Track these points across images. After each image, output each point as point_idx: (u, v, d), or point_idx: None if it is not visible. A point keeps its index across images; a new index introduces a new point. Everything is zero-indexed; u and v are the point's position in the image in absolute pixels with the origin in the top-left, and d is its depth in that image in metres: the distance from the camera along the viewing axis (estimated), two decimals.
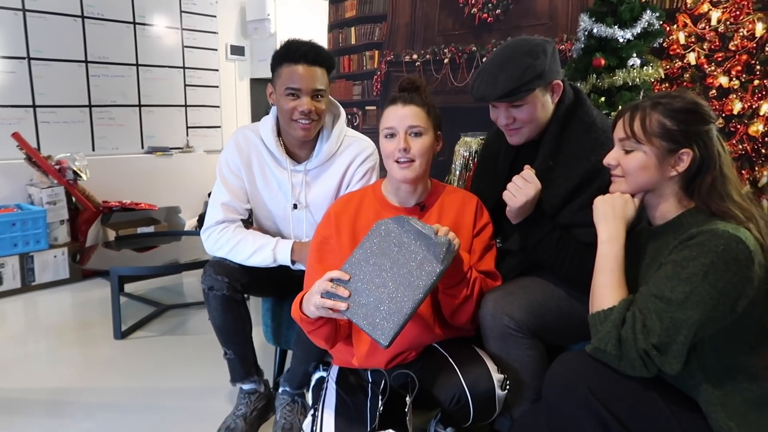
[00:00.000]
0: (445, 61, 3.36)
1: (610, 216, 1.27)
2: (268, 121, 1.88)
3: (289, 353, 2.07)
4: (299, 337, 1.80)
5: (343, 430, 1.39)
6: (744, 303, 1.09)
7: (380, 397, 1.38)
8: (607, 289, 1.20)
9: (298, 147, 1.87)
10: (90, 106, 4.29)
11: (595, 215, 1.30)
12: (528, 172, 1.47)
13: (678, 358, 1.08)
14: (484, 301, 1.49)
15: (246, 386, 1.95)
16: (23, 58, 3.91)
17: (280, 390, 1.96)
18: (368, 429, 1.37)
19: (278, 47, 1.78)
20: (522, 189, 1.45)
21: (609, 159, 1.29)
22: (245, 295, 1.87)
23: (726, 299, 1.08)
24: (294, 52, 1.72)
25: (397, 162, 1.48)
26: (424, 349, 1.56)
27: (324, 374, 1.66)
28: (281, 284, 1.89)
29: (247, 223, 1.95)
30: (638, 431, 1.12)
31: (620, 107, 2.41)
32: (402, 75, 3.53)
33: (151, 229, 4.00)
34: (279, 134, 1.87)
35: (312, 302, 1.29)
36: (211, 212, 1.87)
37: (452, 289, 1.43)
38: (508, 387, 1.41)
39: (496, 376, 1.39)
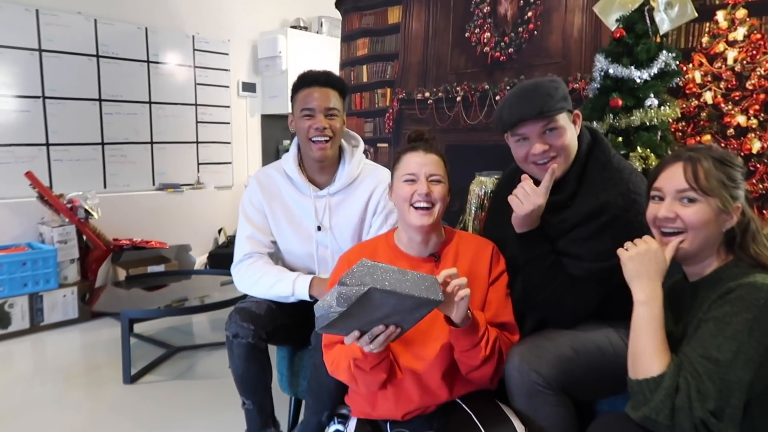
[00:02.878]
0: (458, 99, 3.35)
1: (644, 274, 1.19)
2: (290, 152, 1.98)
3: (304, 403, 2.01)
4: (311, 385, 1.76)
5: None
6: None
7: None
8: (651, 353, 1.14)
9: (319, 173, 1.94)
10: (102, 143, 4.32)
11: (626, 273, 1.23)
12: (531, 183, 1.45)
13: (734, 422, 1.03)
14: (510, 355, 1.44)
15: None
16: (38, 97, 3.95)
17: None
18: None
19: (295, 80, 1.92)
20: (530, 196, 1.44)
21: (666, 212, 1.21)
22: (268, 345, 1.84)
23: None
24: (308, 78, 1.88)
25: (415, 207, 1.46)
26: (444, 403, 1.50)
27: (341, 427, 1.60)
28: (303, 332, 1.85)
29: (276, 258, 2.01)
30: None
31: (638, 147, 2.38)
32: (414, 113, 3.53)
33: (161, 267, 3.98)
34: (301, 164, 1.96)
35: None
36: (238, 248, 1.95)
37: (469, 352, 1.37)
38: None
39: None
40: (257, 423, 1.87)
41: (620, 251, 1.26)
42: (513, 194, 1.47)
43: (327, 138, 1.85)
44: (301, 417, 1.99)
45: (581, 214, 1.49)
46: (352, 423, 1.55)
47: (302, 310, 1.80)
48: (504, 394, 1.48)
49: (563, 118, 1.50)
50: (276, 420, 1.93)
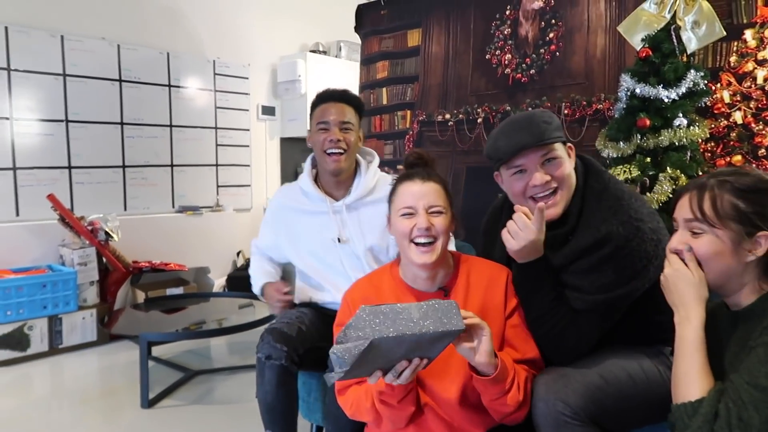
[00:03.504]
0: (479, 120, 3.33)
1: (687, 295, 1.14)
2: (306, 167, 2.03)
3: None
4: (330, 410, 1.68)
5: None
6: None
7: None
8: (692, 377, 1.08)
9: (335, 187, 1.96)
10: (124, 166, 4.35)
11: (669, 294, 1.18)
12: (523, 217, 1.35)
13: None
14: (535, 384, 1.35)
15: None
16: (61, 120, 4.00)
17: None
18: None
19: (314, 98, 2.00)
20: (520, 233, 1.35)
21: (676, 244, 1.17)
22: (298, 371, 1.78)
23: None
24: (325, 94, 1.96)
25: (416, 244, 1.35)
26: None
27: None
28: None
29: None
30: None
31: (668, 168, 2.33)
32: (435, 134, 3.51)
33: (180, 290, 3.97)
34: (317, 180, 2.00)
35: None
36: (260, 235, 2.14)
37: (500, 399, 1.27)
38: None
39: None
40: None
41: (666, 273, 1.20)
42: (505, 229, 1.39)
43: (341, 150, 1.88)
44: None
45: (580, 249, 1.40)
46: None
47: (331, 331, 1.75)
48: (532, 425, 1.42)
49: (561, 148, 1.43)
50: None
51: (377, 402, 1.28)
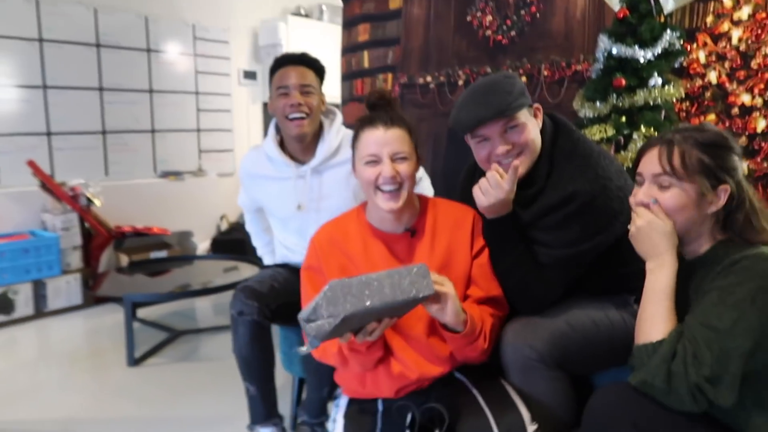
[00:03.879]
0: (460, 83, 3.34)
1: (661, 245, 1.19)
2: (270, 133, 1.98)
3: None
4: (309, 364, 1.75)
5: None
6: None
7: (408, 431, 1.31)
8: (655, 320, 1.14)
9: (301, 152, 1.91)
10: (104, 132, 4.31)
11: (640, 245, 1.22)
12: (495, 176, 1.39)
13: (731, 389, 1.03)
14: (504, 331, 1.42)
15: (264, 430, 1.86)
16: (39, 86, 3.94)
17: (299, 420, 1.90)
18: None
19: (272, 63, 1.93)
20: (491, 190, 1.39)
21: (643, 197, 1.21)
22: (271, 325, 1.82)
23: None
24: (282, 59, 1.89)
25: (382, 191, 1.36)
26: (441, 378, 1.43)
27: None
28: None
29: None
30: None
31: (642, 126, 2.38)
32: (416, 97, 3.52)
33: (164, 253, 3.98)
34: (282, 145, 1.95)
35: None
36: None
37: (467, 347, 1.34)
38: None
39: (531, 428, 1.28)
40: (261, 413, 1.85)
41: (630, 231, 1.25)
42: (477, 185, 1.42)
43: (303, 114, 1.82)
44: (305, 396, 2.01)
45: (547, 206, 1.44)
46: (344, 401, 1.49)
47: None
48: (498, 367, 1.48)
49: (523, 114, 1.43)
50: (280, 414, 1.90)
51: (346, 350, 1.31)
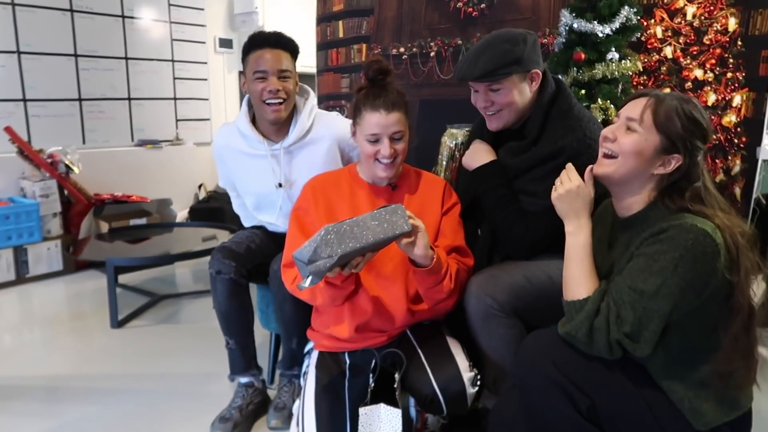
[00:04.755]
0: (432, 54, 3.42)
1: (571, 210, 1.35)
2: (242, 111, 2.00)
3: None
4: (277, 316, 1.91)
5: (321, 411, 1.48)
6: (709, 291, 1.17)
7: (371, 375, 1.46)
8: (579, 279, 1.29)
9: (274, 133, 1.97)
10: (80, 99, 4.32)
11: (558, 211, 1.37)
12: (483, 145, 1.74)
13: (649, 344, 1.18)
14: (468, 284, 1.59)
15: (243, 379, 2.00)
16: (13, 52, 3.93)
17: (278, 373, 2.04)
18: (347, 408, 1.46)
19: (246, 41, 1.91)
20: (475, 155, 1.71)
21: (608, 132, 1.29)
22: (249, 283, 1.94)
23: (693, 289, 1.16)
24: (258, 39, 1.87)
25: (380, 162, 1.57)
26: (397, 335, 1.64)
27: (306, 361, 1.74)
28: None
29: None
30: (602, 403, 1.22)
31: (599, 99, 2.51)
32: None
33: (143, 221, 4.06)
34: (254, 122, 1.98)
35: None
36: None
37: (434, 288, 1.50)
38: (479, 382, 1.50)
39: (467, 375, 1.48)
40: (240, 364, 1.98)
41: (553, 193, 1.39)
42: (465, 154, 1.73)
43: (281, 100, 1.86)
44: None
45: (538, 157, 1.63)
46: (315, 354, 1.67)
47: (281, 248, 1.89)
48: (455, 320, 1.65)
49: (510, 80, 1.60)
50: (258, 365, 2.05)
51: (322, 283, 1.46)
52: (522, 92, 1.63)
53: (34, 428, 1.95)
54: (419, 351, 1.57)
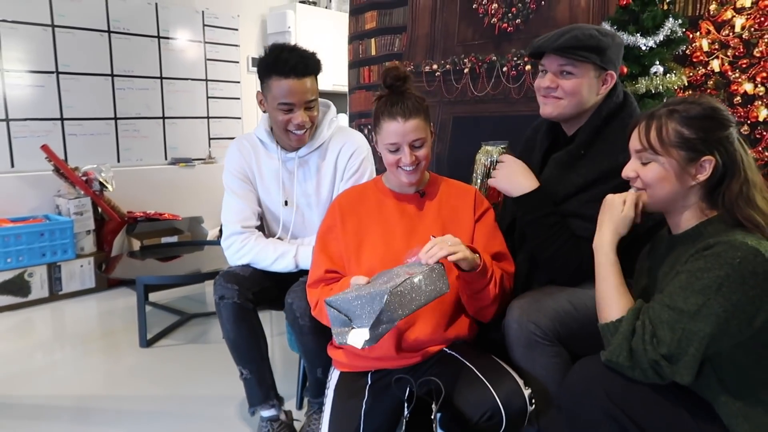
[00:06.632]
0: (465, 71, 3.36)
1: (600, 224, 1.27)
2: (261, 123, 1.95)
3: None
4: (299, 347, 1.80)
5: None
6: (763, 318, 1.06)
7: (406, 405, 1.37)
8: (610, 299, 1.19)
9: (291, 148, 1.91)
10: (116, 118, 4.38)
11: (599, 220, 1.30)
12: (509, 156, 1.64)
13: (689, 369, 1.07)
14: (510, 308, 1.49)
15: (266, 413, 1.88)
16: (52, 72, 4.01)
17: (306, 400, 1.96)
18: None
19: (264, 54, 1.78)
20: (512, 178, 1.58)
21: (627, 171, 1.25)
22: (256, 308, 1.83)
23: (741, 314, 1.05)
24: (284, 65, 1.72)
25: (403, 170, 1.52)
26: (434, 354, 1.53)
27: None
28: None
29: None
30: None
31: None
32: (422, 85, 3.55)
33: (174, 239, 4.06)
34: (272, 131, 1.91)
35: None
36: (228, 225, 1.89)
37: (480, 293, 1.43)
38: (533, 402, 1.39)
39: (526, 392, 1.37)
40: (258, 395, 1.84)
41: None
42: (498, 176, 1.61)
43: (305, 130, 1.81)
44: None
45: (598, 171, 1.52)
46: (335, 375, 1.58)
47: (289, 274, 1.83)
48: (493, 348, 1.56)
49: (584, 68, 1.51)
50: (279, 395, 1.90)
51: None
52: (591, 88, 1.54)
53: None
54: (469, 366, 1.45)
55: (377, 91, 1.56)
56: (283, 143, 1.91)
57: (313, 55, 1.80)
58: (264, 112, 1.90)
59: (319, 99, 1.88)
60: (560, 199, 1.57)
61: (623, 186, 1.34)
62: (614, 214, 1.26)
